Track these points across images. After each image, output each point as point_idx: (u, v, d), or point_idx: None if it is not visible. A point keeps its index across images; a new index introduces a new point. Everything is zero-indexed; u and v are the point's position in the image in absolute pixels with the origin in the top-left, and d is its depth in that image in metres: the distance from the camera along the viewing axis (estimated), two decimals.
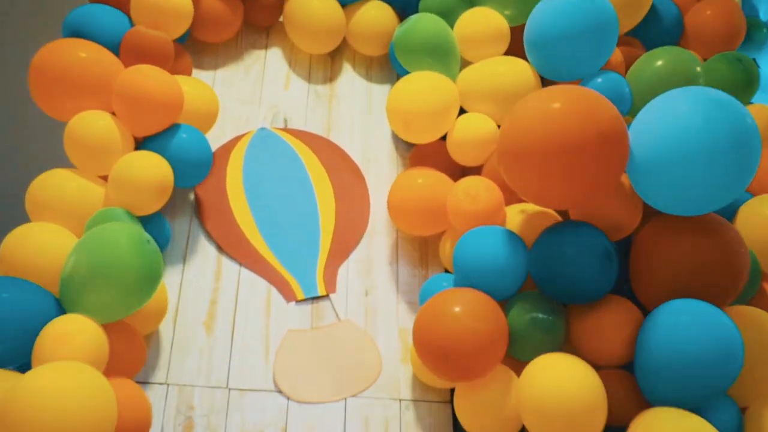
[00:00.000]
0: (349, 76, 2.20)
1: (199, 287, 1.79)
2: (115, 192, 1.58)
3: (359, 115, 2.14)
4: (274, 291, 1.81)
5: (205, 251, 1.84)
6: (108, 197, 1.60)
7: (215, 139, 1.97)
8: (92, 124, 1.60)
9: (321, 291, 1.81)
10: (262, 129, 2.03)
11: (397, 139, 2.10)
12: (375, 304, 1.84)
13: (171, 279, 1.79)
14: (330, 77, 2.19)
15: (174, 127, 1.71)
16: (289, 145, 2.02)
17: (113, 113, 1.65)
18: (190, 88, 1.78)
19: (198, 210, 1.88)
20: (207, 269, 1.82)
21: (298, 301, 1.80)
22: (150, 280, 1.40)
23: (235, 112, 2.06)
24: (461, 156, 1.88)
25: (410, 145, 2.09)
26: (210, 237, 1.85)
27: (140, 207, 1.60)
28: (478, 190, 1.69)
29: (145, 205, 1.61)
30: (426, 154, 1.97)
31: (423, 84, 1.82)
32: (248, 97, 2.10)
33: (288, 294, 1.80)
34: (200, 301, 1.77)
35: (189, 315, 1.75)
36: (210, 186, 1.90)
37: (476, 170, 1.87)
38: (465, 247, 1.62)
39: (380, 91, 2.19)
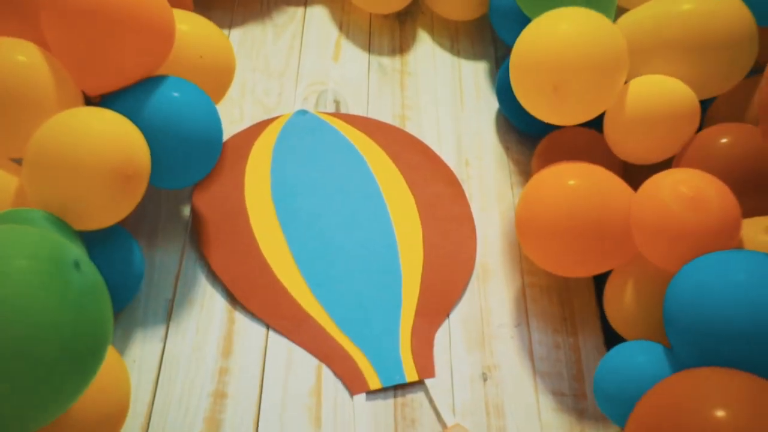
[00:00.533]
0: (426, 46, 1.48)
1: (193, 367, 1.01)
2: (34, 181, 0.82)
3: (445, 99, 1.40)
4: (327, 375, 1.02)
5: (207, 303, 1.07)
6: (22, 192, 0.84)
7: (228, 123, 1.23)
8: (4, 62, 0.86)
9: (410, 376, 1.02)
10: (302, 112, 1.29)
11: (506, 133, 1.37)
12: (500, 394, 1.05)
13: (142, 351, 1.01)
14: (399, 47, 1.46)
15: (155, 80, 0.96)
16: (345, 138, 1.27)
17: (46, 47, 0.91)
18: (190, 27, 1.06)
19: (196, 233, 1.12)
20: (209, 334, 1.04)
21: (371, 393, 1.01)
22: (77, 350, 0.62)
23: (260, 87, 1.33)
24: (636, 145, 1.12)
25: (526, 144, 1.34)
26: (216, 279, 1.08)
27: (81, 212, 0.83)
28: (701, 189, 0.93)
29: (90, 208, 0.84)
30: (563, 147, 1.22)
31: (580, 22, 1.08)
32: (279, 68, 1.37)
33: (353, 381, 1.01)
34: (195, 392, 0.99)
35: (174, 421, 0.96)
36: (218, 195, 1.15)
37: (648, 172, 1.09)
38: (704, 287, 0.85)
39: (473, 70, 1.46)
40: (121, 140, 0.84)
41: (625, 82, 1.11)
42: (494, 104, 1.40)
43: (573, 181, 1.05)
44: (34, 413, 0.62)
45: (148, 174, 0.89)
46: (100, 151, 0.82)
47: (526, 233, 1.08)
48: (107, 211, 0.85)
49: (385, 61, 1.43)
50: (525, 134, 1.36)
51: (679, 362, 0.88)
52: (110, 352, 0.79)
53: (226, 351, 1.03)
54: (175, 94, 0.95)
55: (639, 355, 0.93)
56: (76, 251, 0.64)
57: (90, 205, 0.83)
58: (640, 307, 1.01)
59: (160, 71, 0.99)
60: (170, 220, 1.13)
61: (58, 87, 0.88)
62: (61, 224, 0.80)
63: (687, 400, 0.74)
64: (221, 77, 1.10)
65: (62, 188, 0.81)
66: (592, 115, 1.11)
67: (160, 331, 1.03)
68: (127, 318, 1.03)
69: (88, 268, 0.64)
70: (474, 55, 1.49)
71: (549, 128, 1.23)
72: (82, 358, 0.61)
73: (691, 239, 0.92)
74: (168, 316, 1.04)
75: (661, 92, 1.08)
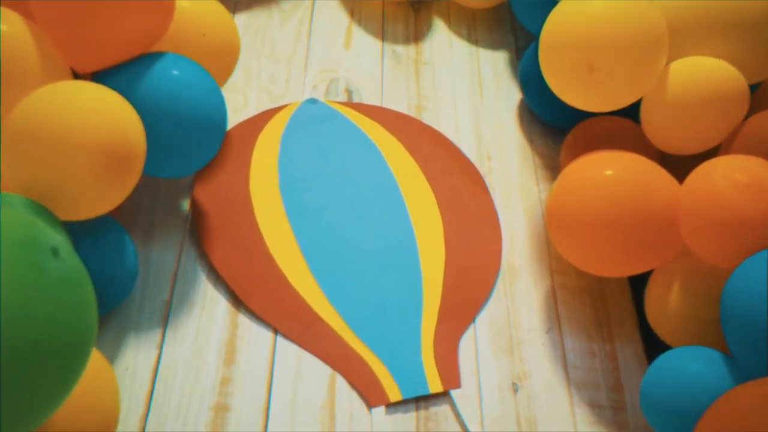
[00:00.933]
0: (443, 35, 1.39)
1: (192, 377, 0.91)
2: (13, 161, 0.72)
3: (463, 89, 1.31)
4: (342, 385, 0.92)
5: (208, 305, 0.97)
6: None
7: (231, 111, 1.13)
8: None
9: (433, 386, 0.92)
10: (312, 101, 1.20)
11: (530, 125, 1.27)
12: (532, 405, 0.95)
13: (135, 359, 0.91)
14: (414, 35, 1.38)
15: (152, 57, 0.87)
16: (358, 128, 1.17)
17: (33, 20, 0.81)
18: (192, 4, 0.97)
19: (197, 227, 1.02)
20: (210, 340, 0.94)
21: (391, 406, 0.91)
22: (54, 349, 0.51)
23: (265, 74, 1.24)
24: (677, 133, 1.02)
25: (552, 136, 1.25)
26: (218, 277, 0.99)
27: (65, 198, 0.74)
28: (759, 176, 0.84)
29: (76, 193, 0.74)
30: (594, 137, 1.11)
31: None
32: (286, 54, 1.28)
33: (371, 392, 0.91)
34: (194, 404, 0.89)
35: None
36: (221, 187, 1.05)
37: (689, 164, 0.99)
38: None
39: (492, 60, 1.37)
40: (112, 117, 0.75)
41: (666, 64, 1.02)
42: (516, 95, 1.31)
43: (611, 170, 0.95)
44: (3, 423, 0.52)
45: (142, 157, 0.79)
46: (88, 128, 0.72)
47: (558, 229, 0.98)
48: (96, 197, 0.76)
49: (400, 49, 1.34)
50: (550, 126, 1.26)
51: (742, 371, 0.78)
52: (97, 358, 0.69)
53: (229, 358, 0.93)
54: (175, 72, 0.86)
55: (693, 363, 0.83)
56: (55, 236, 0.54)
57: (76, 191, 0.73)
58: (689, 310, 0.91)
59: (158, 50, 0.90)
60: (168, 214, 1.03)
61: (44, 61, 0.79)
62: (44, 212, 0.71)
63: (763, 414, 0.64)
64: (225, 58, 1.00)
65: (45, 170, 0.71)
66: (629, 99, 1.02)
67: (156, 336, 0.93)
68: (118, 321, 0.93)
69: (69, 255, 0.54)
70: (493, 45, 1.39)
71: (576, 119, 1.14)
72: (59, 359, 0.51)
73: (750, 232, 0.82)
74: (164, 320, 0.94)
75: (707, 75, 0.98)
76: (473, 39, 1.40)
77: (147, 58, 0.86)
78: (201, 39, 0.95)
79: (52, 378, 0.52)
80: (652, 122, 1.03)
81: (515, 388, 0.96)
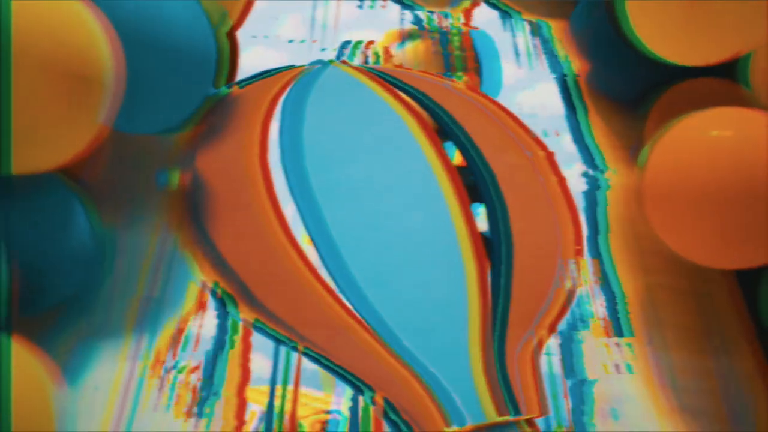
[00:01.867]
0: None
1: (171, 395, 0.69)
2: None
3: (503, 58, 1.11)
4: (369, 408, 0.70)
5: (194, 303, 0.76)
6: None
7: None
8: None
9: (505, 411, 0.69)
10: (328, 64, 1.00)
11: (585, 98, 1.08)
12: None
13: (103, 374, 0.70)
14: None
15: None
16: (388, 95, 0.97)
17: None
18: None
19: (198, 206, 0.83)
20: (199, 348, 0.73)
21: None
22: None
23: (277, 33, 1.06)
24: None
25: (613, 109, 1.05)
26: (209, 268, 0.78)
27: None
28: None
29: (20, 125, 0.51)
30: (689, 103, 0.90)
31: None
32: (301, 13, 1.10)
33: (422, 419, 0.69)
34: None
35: None
36: (226, 157, 0.86)
37: None
38: None
39: (536, 27, 1.20)
40: (67, 23, 0.53)
41: None
42: (565, 66, 1.12)
43: (731, 130, 0.75)
44: None
45: (106, 83, 0.56)
46: (38, 35, 0.50)
47: (657, 205, 0.80)
48: (42, 134, 0.53)
49: (429, 12, 1.16)
50: (609, 99, 1.07)
51: None
52: (25, 360, 0.46)
53: (220, 373, 0.72)
54: None
55: None
56: None
57: (21, 120, 0.50)
58: None
59: None
60: (145, 190, 0.84)
61: None
62: None
63: None
64: None
65: None
66: (735, 45, 0.85)
67: (124, 343, 0.72)
68: (78, 322, 0.73)
69: None
70: (540, 9, 1.20)
71: (644, 88, 0.99)
72: None
73: None
74: (140, 323, 0.74)
75: None
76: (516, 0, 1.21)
77: None
78: None
79: None
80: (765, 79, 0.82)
81: (601, 415, 0.73)
